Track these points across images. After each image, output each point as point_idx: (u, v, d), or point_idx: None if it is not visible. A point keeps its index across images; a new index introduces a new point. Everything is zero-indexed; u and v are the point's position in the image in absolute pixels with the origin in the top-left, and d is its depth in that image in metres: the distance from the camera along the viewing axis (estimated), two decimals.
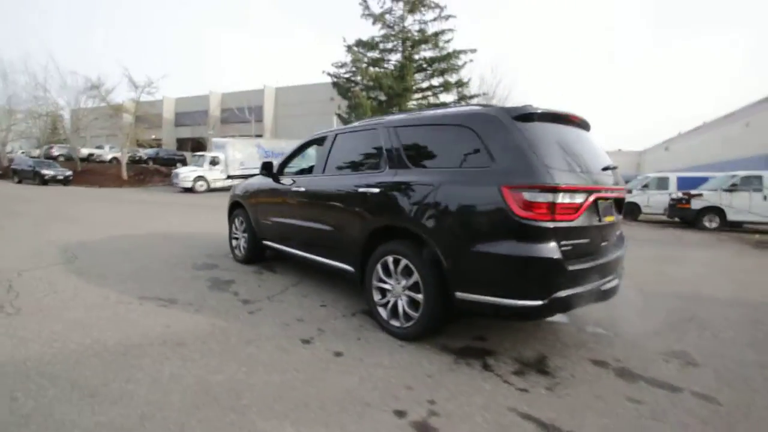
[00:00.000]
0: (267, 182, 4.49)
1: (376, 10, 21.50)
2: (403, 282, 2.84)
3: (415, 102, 21.73)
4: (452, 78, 20.93)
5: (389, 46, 21.83)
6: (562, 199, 2.27)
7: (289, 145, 23.50)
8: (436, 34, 21.05)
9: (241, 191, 4.99)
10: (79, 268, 4.51)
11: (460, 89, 21.20)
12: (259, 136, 37.91)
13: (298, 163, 4.56)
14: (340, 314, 3.34)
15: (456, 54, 20.65)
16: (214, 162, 20.53)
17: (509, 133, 2.43)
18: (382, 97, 21.32)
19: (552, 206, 2.25)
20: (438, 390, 2.21)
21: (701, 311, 3.72)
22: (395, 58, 22.14)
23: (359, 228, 3.14)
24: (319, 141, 4.10)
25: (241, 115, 36.10)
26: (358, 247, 3.15)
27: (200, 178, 20.05)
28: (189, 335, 2.79)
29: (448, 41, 21.39)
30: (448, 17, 21.23)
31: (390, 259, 2.90)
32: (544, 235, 2.26)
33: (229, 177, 20.39)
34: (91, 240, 6.17)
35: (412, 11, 21.19)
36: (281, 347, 2.67)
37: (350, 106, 20.96)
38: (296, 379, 2.26)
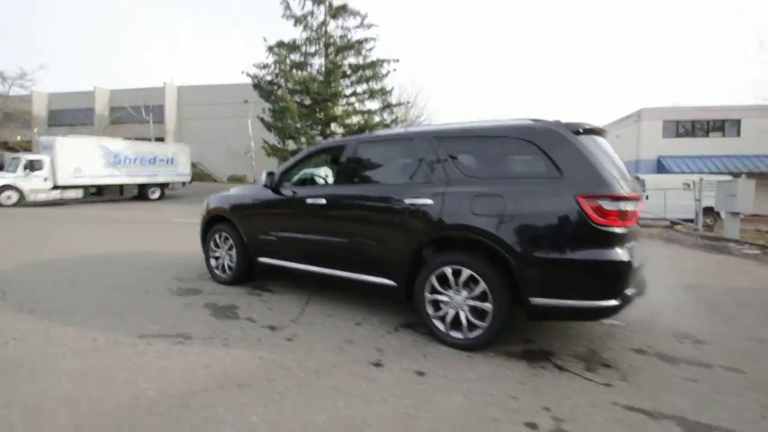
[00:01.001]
0: (265, 194, 4.10)
1: (298, 11, 20.95)
2: (464, 293, 2.85)
3: (340, 108, 21.66)
4: (377, 85, 21.35)
5: (312, 49, 21.44)
6: (626, 206, 2.53)
7: (152, 148, 20.84)
8: (360, 42, 21.28)
9: (226, 204, 4.47)
10: (18, 304, 3.58)
11: (384, 97, 21.72)
12: (160, 139, 34.16)
13: (295, 174, 4.25)
14: (383, 331, 3.20)
15: (380, 63, 21.08)
16: (32, 166, 15.43)
17: (572, 147, 2.62)
18: (308, 102, 20.84)
19: (622, 213, 2.49)
20: (541, 396, 2.27)
21: (668, 297, 4.41)
22: (318, 62, 21.82)
23: (407, 241, 3.06)
24: (331, 151, 3.87)
25: (137, 115, 32.05)
26: (406, 260, 3.07)
27: (7, 187, 15.00)
28: (243, 374, 2.43)
29: (370, 49, 21.77)
30: (370, 26, 21.60)
31: (449, 270, 2.89)
32: (617, 239, 2.49)
33: (56, 188, 15.95)
34: None
35: (334, 17, 21.10)
36: (358, 374, 2.48)
37: (275, 110, 20.01)
38: (406, 407, 2.13)
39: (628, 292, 2.55)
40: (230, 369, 2.49)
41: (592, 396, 2.29)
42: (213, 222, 4.66)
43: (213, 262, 4.64)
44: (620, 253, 2.49)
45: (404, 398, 2.21)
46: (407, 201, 3.08)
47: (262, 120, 20.84)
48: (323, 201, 3.60)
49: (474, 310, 2.82)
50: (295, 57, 20.95)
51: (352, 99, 22.16)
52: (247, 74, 20.73)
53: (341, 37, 21.69)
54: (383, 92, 21.71)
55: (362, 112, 21.40)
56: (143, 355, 2.66)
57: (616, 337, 3.21)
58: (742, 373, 2.64)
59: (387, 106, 21.27)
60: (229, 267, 4.45)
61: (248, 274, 4.46)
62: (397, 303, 3.60)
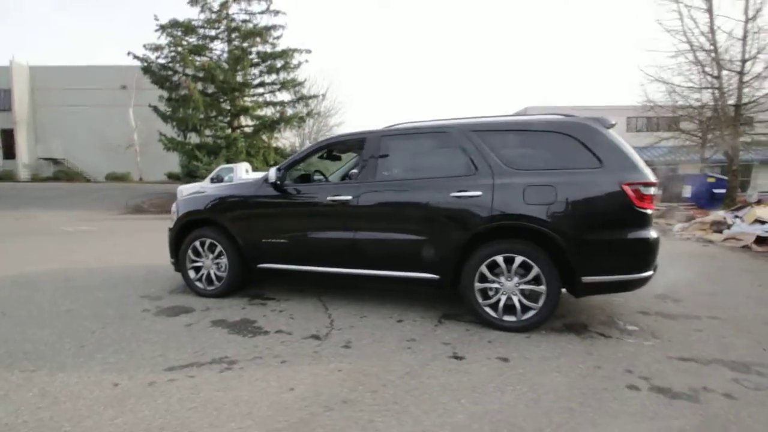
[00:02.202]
0: (267, 192, 3.68)
1: None
2: (516, 278, 3.00)
3: (249, 99, 20.19)
4: (288, 76, 20.40)
5: (212, 33, 19.49)
6: (655, 191, 2.94)
7: None
8: (267, 29, 20.03)
9: (211, 206, 3.88)
10: None
11: (296, 88, 20.88)
12: (7, 131, 27.66)
13: (299, 170, 3.91)
14: (431, 325, 3.18)
15: (291, 52, 20.16)
16: None
17: (607, 139, 2.94)
18: (210, 90, 18.93)
19: (653, 197, 2.89)
20: (616, 362, 2.53)
21: None
22: (221, 47, 19.96)
23: (456, 233, 3.08)
24: (347, 145, 3.65)
25: None
26: (454, 253, 3.10)
27: None
28: (336, 390, 2.20)
29: (278, 37, 20.66)
30: (277, 12, 20.47)
31: (500, 258, 3.00)
32: (650, 219, 2.88)
33: None
34: None
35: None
36: (450, 369, 2.43)
37: (173, 98, 17.68)
38: (524, 392, 2.17)
39: (655, 263, 2.99)
40: (318, 387, 2.23)
41: (649, 354, 2.64)
42: (188, 228, 4.03)
43: (192, 273, 4.01)
44: (653, 231, 2.90)
45: (515, 384, 2.26)
46: (453, 194, 3.10)
47: (155, 109, 18.32)
48: (348, 197, 3.39)
49: (525, 294, 2.99)
50: (193, 40, 18.81)
51: (261, 89, 20.84)
52: (135, 56, 17.97)
53: (244, 21, 20.15)
54: (295, 83, 20.87)
55: (274, 104, 20.30)
56: (196, 390, 2.22)
57: (613, 303, 3.71)
58: (722, 320, 3.32)
59: (301, 98, 20.49)
60: (218, 277, 3.91)
61: (240, 284, 3.98)
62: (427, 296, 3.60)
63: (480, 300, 3.08)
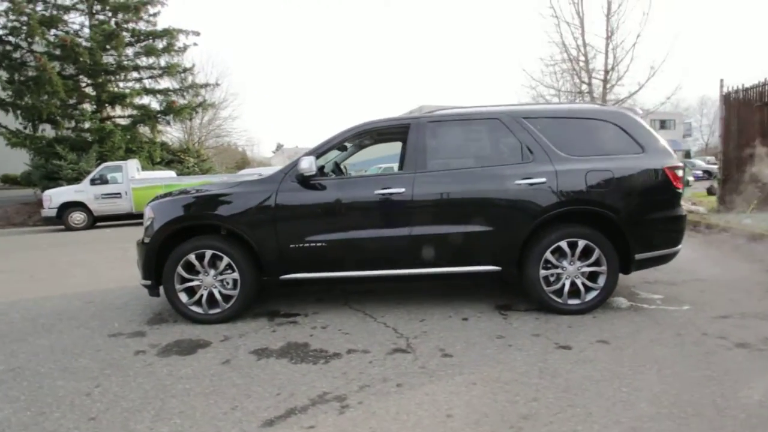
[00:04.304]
0: (294, 188, 3.06)
1: None
2: (578, 263, 3.07)
3: (124, 84, 16.95)
4: (172, 60, 17.71)
5: (67, 2, 15.75)
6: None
7: None
8: (143, 3, 17.04)
9: (216, 208, 3.08)
10: None
11: (183, 75, 18.28)
12: None
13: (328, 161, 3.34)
14: (498, 319, 3.06)
15: (174, 33, 17.52)
16: None
17: (644, 127, 3.20)
18: (70, 72, 15.33)
19: (683, 179, 3.25)
20: (689, 328, 2.77)
21: None
22: (79, 20, 16.31)
23: (522, 222, 3.00)
24: (386, 131, 3.24)
25: None
26: (519, 241, 3.03)
27: None
28: (507, 406, 1.93)
29: (155, 14, 17.82)
30: None
31: (564, 243, 3.04)
32: (681, 199, 3.24)
33: None
34: None
35: None
36: (576, 360, 2.35)
37: (17, 80, 13.70)
38: (657, 371, 2.22)
39: None
40: (475, 407, 1.92)
41: (697, 318, 2.97)
42: (173, 240, 3.13)
43: (185, 297, 3.14)
44: (684, 209, 3.27)
45: (644, 363, 2.29)
46: (518, 182, 3.01)
47: None
48: (403, 190, 3.03)
49: (588, 276, 3.09)
50: (40, 8, 14.96)
51: (138, 74, 17.73)
52: None
53: None
54: (181, 69, 18.30)
55: (156, 92, 17.50)
56: None
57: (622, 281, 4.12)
58: (708, 281, 3.93)
59: (191, 87, 18.06)
60: (225, 297, 3.13)
61: (252, 302, 3.27)
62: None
63: (545, 287, 3.08)
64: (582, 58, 14.41)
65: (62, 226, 11.43)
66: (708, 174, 22.25)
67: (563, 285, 3.08)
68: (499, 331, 2.84)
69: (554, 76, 15.71)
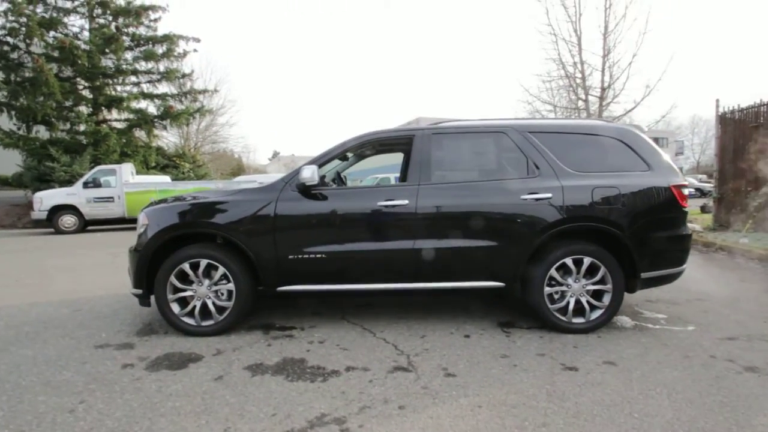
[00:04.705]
0: (294, 198, 2.99)
1: None
2: (583, 280, 3.01)
3: (122, 88, 16.86)
4: (172, 65, 17.68)
5: (67, 5, 15.72)
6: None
7: None
8: (144, 8, 17.07)
9: (213, 215, 2.98)
10: None
11: (182, 80, 18.24)
12: None
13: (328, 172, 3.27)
14: (501, 337, 2.97)
15: (175, 39, 17.53)
16: None
17: (650, 145, 3.18)
18: (67, 74, 15.22)
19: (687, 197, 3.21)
20: (696, 350, 2.70)
21: None
22: (79, 23, 16.27)
23: (528, 237, 2.94)
24: (389, 142, 3.19)
25: None
26: (524, 257, 2.96)
27: None
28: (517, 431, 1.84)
29: (156, 20, 17.84)
30: None
31: (569, 260, 2.98)
32: (687, 217, 3.20)
33: None
34: None
35: None
36: (585, 383, 2.27)
37: (12, 80, 13.56)
38: (680, 392, 2.14)
39: None
40: (514, 422, 1.83)
41: (703, 339, 2.90)
42: (167, 248, 3.03)
43: (177, 307, 3.02)
44: (689, 228, 3.23)
45: (655, 387, 2.21)
46: (524, 197, 2.96)
47: None
48: (406, 202, 2.96)
49: (593, 294, 3.02)
50: (40, 10, 14.91)
51: (136, 78, 17.67)
52: None
53: None
54: (180, 74, 18.28)
55: (154, 96, 17.43)
56: None
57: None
58: (712, 300, 3.89)
59: (189, 92, 18.03)
60: (219, 308, 3.02)
61: (248, 313, 3.16)
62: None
63: (549, 305, 3.01)
64: (579, 75, 14.62)
65: (52, 230, 11.21)
66: (700, 192, 22.47)
67: (568, 303, 3.01)
68: (502, 349, 2.75)
69: (550, 92, 15.94)
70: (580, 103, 14.92)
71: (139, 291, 3.09)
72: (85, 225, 11.46)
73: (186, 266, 2.99)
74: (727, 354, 2.65)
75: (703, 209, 11.74)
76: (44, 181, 13.83)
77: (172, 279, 2.99)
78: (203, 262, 2.99)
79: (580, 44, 14.34)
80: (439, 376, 2.38)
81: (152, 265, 3.04)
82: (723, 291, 4.24)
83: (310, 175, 2.89)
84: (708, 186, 21.21)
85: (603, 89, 14.40)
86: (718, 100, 8.71)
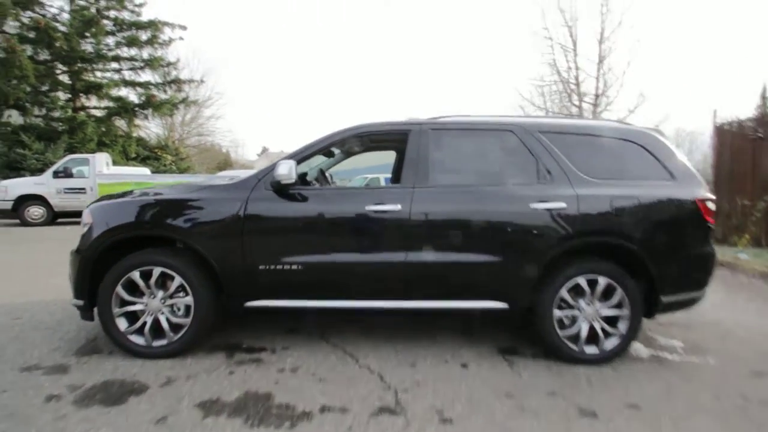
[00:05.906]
0: (268, 197, 2.54)
1: None
2: (598, 303, 2.64)
3: (102, 75, 16.09)
4: (156, 53, 16.98)
5: None
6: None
7: None
8: None
9: (168, 215, 2.52)
10: None
11: (167, 69, 17.53)
12: None
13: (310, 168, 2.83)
14: (503, 366, 2.58)
15: (160, 25, 16.83)
16: None
17: (672, 152, 2.82)
18: (43, 57, 14.43)
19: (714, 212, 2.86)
20: (724, 388, 2.34)
21: None
22: (58, 4, 15.46)
23: (539, 252, 2.55)
24: (380, 136, 2.78)
25: None
26: (534, 275, 2.57)
27: None
28: None
29: (141, 5, 17.13)
30: None
31: (582, 280, 2.60)
32: (711, 234, 2.84)
33: None
34: None
35: None
36: (611, 418, 1.89)
37: None
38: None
39: None
40: None
41: (728, 375, 2.55)
42: (114, 252, 2.56)
43: (124, 323, 2.55)
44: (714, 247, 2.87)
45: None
46: (533, 205, 2.56)
47: None
48: (398, 207, 2.54)
49: (607, 320, 2.65)
50: None
51: (118, 65, 16.91)
52: None
53: None
54: (165, 63, 17.58)
55: (136, 84, 16.72)
56: None
57: None
58: (725, 322, 3.55)
59: (174, 81, 17.34)
60: (174, 326, 2.56)
61: (208, 333, 2.71)
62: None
63: (559, 331, 2.62)
64: (573, 80, 14.45)
65: (17, 221, 10.48)
66: None
67: (580, 329, 2.63)
68: (506, 385, 2.35)
69: (543, 98, 15.75)
70: (574, 110, 14.76)
71: (80, 302, 2.60)
72: (55, 217, 10.75)
73: (136, 275, 2.52)
74: (761, 394, 2.31)
75: None
76: (14, 169, 13.05)
77: (119, 289, 2.52)
78: (156, 271, 2.52)
79: (575, 49, 14.18)
80: (432, 422, 1.97)
81: (97, 272, 2.56)
82: (735, 313, 3.93)
83: (286, 171, 2.44)
84: None
85: (597, 96, 14.26)
86: (715, 111, 8.51)
